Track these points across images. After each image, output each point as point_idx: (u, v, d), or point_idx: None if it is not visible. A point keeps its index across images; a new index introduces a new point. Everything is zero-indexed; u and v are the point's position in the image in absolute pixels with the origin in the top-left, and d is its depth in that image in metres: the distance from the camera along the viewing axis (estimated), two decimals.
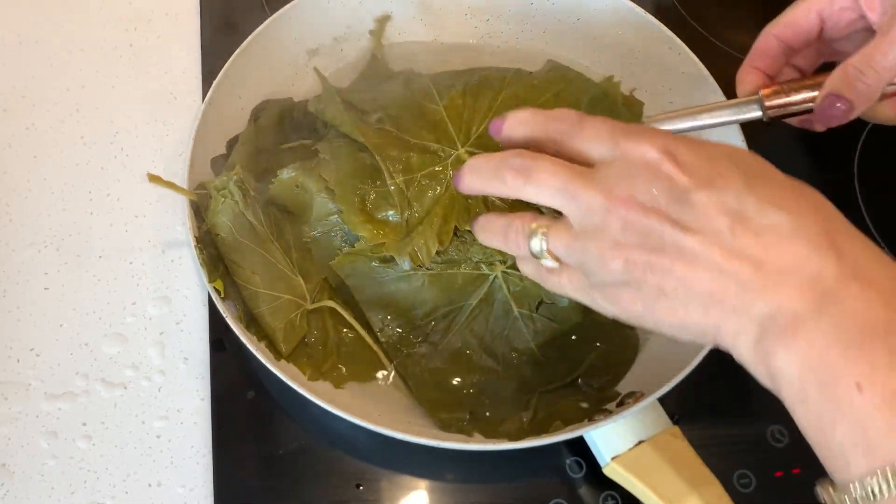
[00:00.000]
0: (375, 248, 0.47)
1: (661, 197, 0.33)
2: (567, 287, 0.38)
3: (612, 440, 0.43)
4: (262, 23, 0.55)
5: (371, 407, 0.46)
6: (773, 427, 0.48)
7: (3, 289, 0.52)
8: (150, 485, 0.46)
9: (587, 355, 0.48)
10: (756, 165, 0.34)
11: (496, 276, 0.47)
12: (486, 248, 0.47)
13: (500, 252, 0.47)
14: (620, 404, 0.45)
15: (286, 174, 0.49)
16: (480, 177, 0.39)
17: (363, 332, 0.48)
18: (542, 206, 0.37)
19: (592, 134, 0.36)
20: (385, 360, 0.48)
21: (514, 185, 0.37)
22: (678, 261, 0.33)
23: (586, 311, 0.48)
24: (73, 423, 0.48)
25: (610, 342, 0.48)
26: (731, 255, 0.32)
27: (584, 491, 0.46)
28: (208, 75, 0.60)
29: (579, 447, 0.45)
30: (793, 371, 0.30)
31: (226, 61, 0.53)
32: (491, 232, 0.41)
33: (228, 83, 0.53)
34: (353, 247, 0.48)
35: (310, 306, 0.48)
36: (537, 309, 0.48)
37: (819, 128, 0.45)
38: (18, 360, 0.50)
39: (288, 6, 0.56)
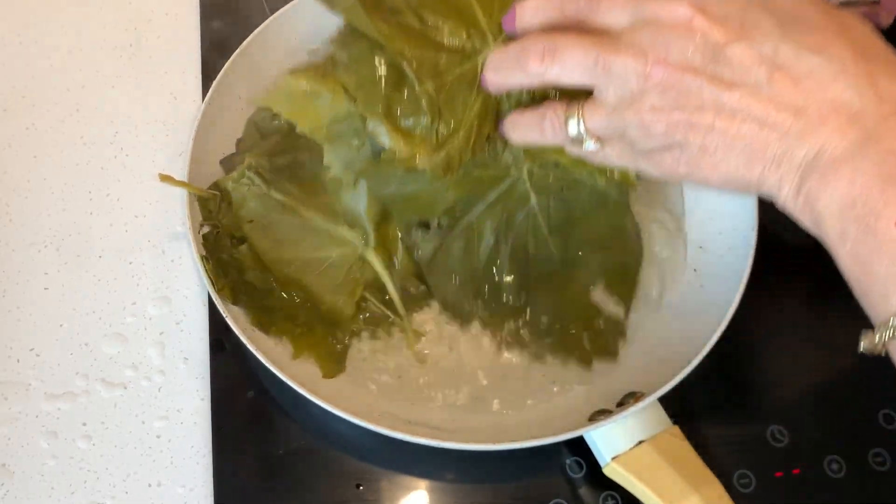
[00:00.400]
0: (405, 161, 0.44)
1: (696, 55, 0.33)
2: (613, 159, 0.38)
3: (612, 440, 0.43)
4: (262, 23, 0.55)
5: (371, 407, 0.46)
6: (773, 427, 0.48)
7: (2, 289, 0.52)
8: (149, 485, 0.46)
9: (596, 256, 0.49)
10: (790, 6, 0.33)
11: (522, 173, 0.47)
12: (517, 152, 0.46)
13: (531, 156, 0.46)
14: (620, 404, 0.45)
15: (292, 80, 0.46)
16: (502, 72, 0.38)
17: (395, 295, 0.48)
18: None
19: (613, 3, 0.35)
20: (410, 338, 0.49)
21: (540, 71, 0.36)
22: (719, 118, 0.33)
23: (602, 203, 0.48)
24: (73, 423, 0.48)
25: (616, 246, 0.50)
26: (770, 105, 0.32)
27: (584, 491, 0.46)
28: (208, 75, 0.60)
29: (579, 447, 0.45)
30: (834, 211, 0.31)
31: (226, 61, 0.53)
32: (524, 128, 0.40)
33: (228, 83, 0.53)
34: (380, 155, 0.46)
35: (371, 246, 0.48)
36: (555, 196, 0.48)
37: (885, 20, 0.43)
38: (18, 360, 0.50)
39: (288, 6, 0.56)
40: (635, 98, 0.34)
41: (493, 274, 0.49)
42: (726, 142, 0.33)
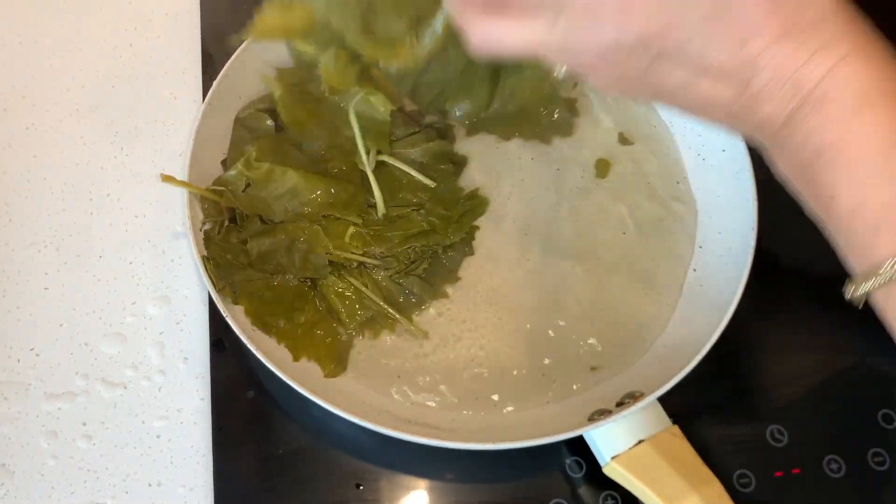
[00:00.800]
0: (388, 64, 0.45)
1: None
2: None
3: (611, 440, 0.43)
4: None
5: (371, 407, 0.46)
6: (773, 427, 0.48)
7: (3, 289, 0.52)
8: (150, 484, 0.46)
9: None
10: None
11: None
12: None
13: None
14: (620, 404, 0.45)
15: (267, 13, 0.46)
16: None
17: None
18: None
19: None
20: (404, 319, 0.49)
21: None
22: (668, 81, 0.33)
23: None
24: (73, 422, 0.48)
25: None
26: (716, 80, 0.32)
27: (584, 491, 0.46)
28: (209, 75, 0.60)
29: (579, 447, 0.45)
30: (789, 174, 0.33)
31: (226, 61, 0.53)
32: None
33: (228, 83, 0.53)
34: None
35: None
36: None
37: None
38: (18, 360, 0.50)
39: None
40: (587, 71, 0.35)
41: (469, 77, 0.51)
42: (678, 99, 0.34)
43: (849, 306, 0.53)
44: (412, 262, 0.50)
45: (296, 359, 0.47)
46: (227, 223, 0.50)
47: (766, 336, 0.51)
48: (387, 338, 0.49)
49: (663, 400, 0.44)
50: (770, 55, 0.31)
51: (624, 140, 0.55)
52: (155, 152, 0.58)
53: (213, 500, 0.46)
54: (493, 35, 0.36)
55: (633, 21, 0.32)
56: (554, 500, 0.46)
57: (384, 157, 0.52)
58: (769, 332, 0.51)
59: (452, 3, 0.37)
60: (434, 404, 0.48)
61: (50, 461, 0.47)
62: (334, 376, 0.47)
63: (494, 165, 0.55)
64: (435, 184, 0.52)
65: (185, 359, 0.50)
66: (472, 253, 0.52)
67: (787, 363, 0.50)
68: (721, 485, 0.42)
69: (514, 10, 0.35)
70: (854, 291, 0.32)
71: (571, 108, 0.56)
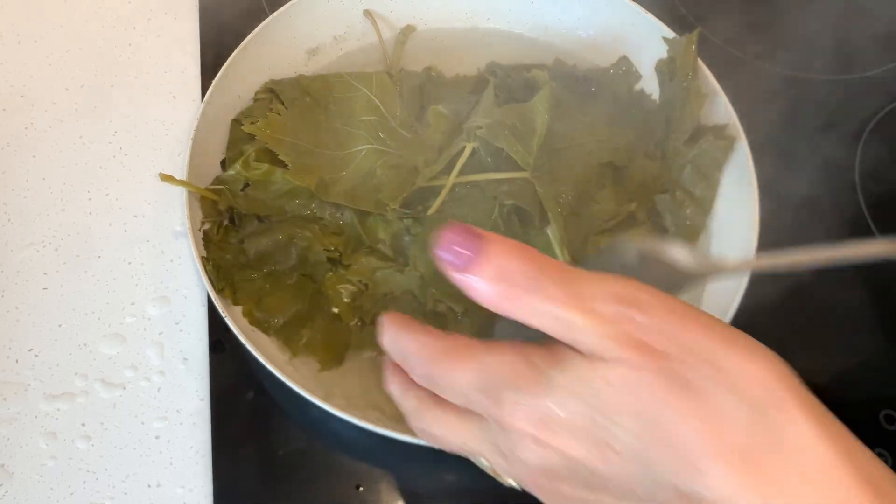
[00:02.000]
0: None
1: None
2: None
3: None
4: (261, 22, 0.55)
5: (371, 407, 0.46)
6: None
7: (1, 289, 0.52)
8: (149, 485, 0.46)
9: None
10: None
11: None
12: None
13: None
14: None
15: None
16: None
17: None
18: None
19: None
20: None
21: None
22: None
23: None
24: (72, 423, 0.48)
25: None
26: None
27: None
28: (208, 75, 0.60)
29: None
30: None
31: (225, 61, 0.53)
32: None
33: (228, 82, 0.53)
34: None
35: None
36: None
37: None
38: (17, 361, 0.50)
39: (288, 5, 0.56)
40: (525, 486, 0.32)
41: None
42: None
43: (849, 307, 0.53)
44: None
45: (294, 355, 0.47)
46: (225, 223, 0.50)
47: (765, 336, 0.51)
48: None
49: None
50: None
51: None
52: (154, 151, 0.58)
53: (212, 501, 0.46)
54: (432, 430, 0.33)
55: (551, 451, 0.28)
56: None
57: None
58: (769, 332, 0.51)
59: (393, 389, 0.35)
60: None
61: (49, 462, 0.47)
62: (329, 369, 0.47)
63: None
64: None
65: (185, 359, 0.50)
66: None
67: (788, 363, 0.50)
68: None
69: (450, 406, 0.32)
70: None
71: None
